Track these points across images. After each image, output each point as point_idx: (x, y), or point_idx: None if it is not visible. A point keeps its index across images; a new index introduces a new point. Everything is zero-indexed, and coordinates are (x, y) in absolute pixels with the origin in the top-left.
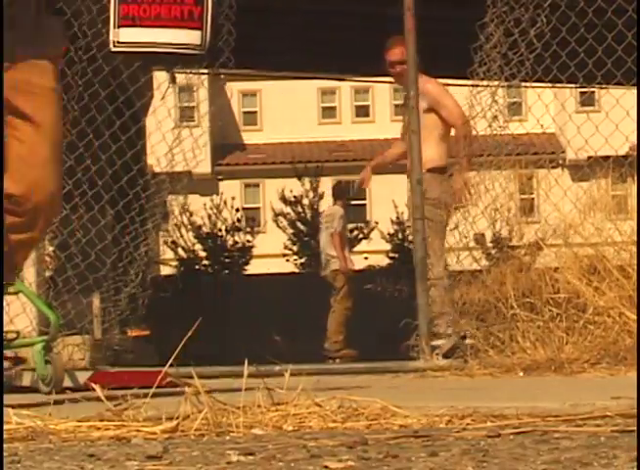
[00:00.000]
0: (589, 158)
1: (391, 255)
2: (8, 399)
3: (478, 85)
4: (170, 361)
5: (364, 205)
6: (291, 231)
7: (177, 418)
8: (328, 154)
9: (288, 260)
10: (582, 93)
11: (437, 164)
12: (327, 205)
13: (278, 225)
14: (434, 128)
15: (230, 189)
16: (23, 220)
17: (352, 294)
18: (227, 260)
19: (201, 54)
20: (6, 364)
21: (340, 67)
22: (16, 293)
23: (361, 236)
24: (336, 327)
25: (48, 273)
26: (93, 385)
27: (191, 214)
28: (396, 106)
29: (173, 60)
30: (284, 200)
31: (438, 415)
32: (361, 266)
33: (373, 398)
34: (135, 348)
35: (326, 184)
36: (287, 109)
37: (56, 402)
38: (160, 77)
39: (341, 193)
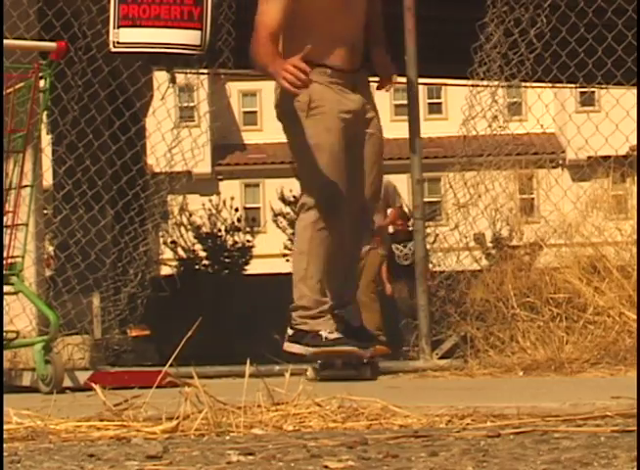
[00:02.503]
0: (589, 158)
1: None
2: (8, 399)
3: (478, 85)
4: (170, 361)
5: None
6: (290, 231)
7: (177, 418)
8: None
9: (288, 260)
10: (582, 93)
11: None
12: None
13: (278, 225)
14: None
15: (230, 189)
16: None
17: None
18: (227, 260)
19: (200, 54)
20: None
21: None
22: (16, 293)
23: None
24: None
25: (48, 273)
26: (93, 385)
27: (190, 214)
28: (396, 106)
29: (173, 60)
30: (283, 200)
31: (438, 415)
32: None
33: (373, 398)
34: (135, 348)
35: None
36: None
37: (56, 402)
38: (160, 77)
39: None
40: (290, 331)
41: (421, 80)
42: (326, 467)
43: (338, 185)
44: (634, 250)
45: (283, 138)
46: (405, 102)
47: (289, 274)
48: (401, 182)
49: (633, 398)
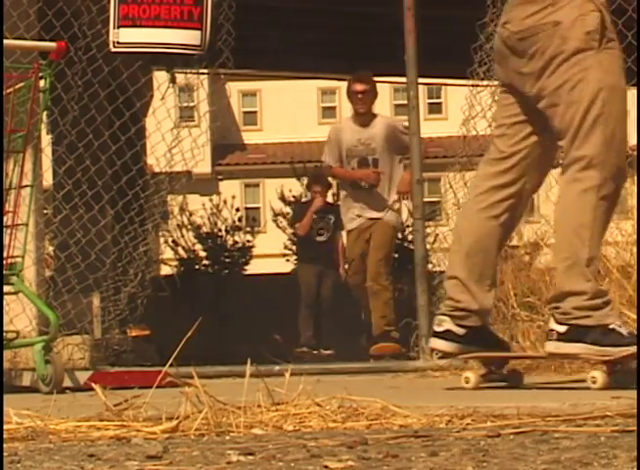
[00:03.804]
0: None
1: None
2: (8, 399)
3: (478, 85)
4: (170, 361)
5: None
6: (290, 231)
7: (177, 418)
8: None
9: (288, 260)
10: None
11: None
12: None
13: (278, 225)
14: None
15: (230, 189)
16: None
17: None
18: (227, 260)
19: (200, 54)
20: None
21: (340, 66)
22: (16, 293)
23: None
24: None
25: (48, 273)
26: (93, 385)
27: (191, 214)
28: (396, 106)
29: (173, 60)
30: (283, 200)
31: (438, 415)
32: None
33: (373, 398)
34: (135, 348)
35: None
36: (287, 109)
37: (56, 402)
38: (160, 77)
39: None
40: (560, 328)
41: (421, 80)
42: (326, 467)
43: (626, 142)
44: (634, 250)
45: (282, 138)
46: (405, 102)
47: (289, 274)
48: None
49: (633, 398)
